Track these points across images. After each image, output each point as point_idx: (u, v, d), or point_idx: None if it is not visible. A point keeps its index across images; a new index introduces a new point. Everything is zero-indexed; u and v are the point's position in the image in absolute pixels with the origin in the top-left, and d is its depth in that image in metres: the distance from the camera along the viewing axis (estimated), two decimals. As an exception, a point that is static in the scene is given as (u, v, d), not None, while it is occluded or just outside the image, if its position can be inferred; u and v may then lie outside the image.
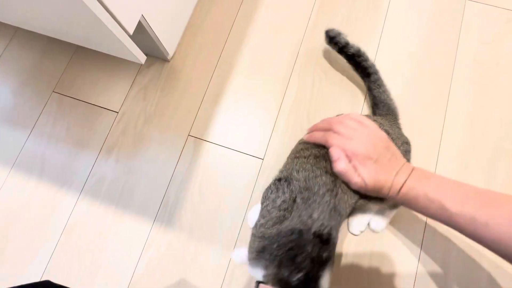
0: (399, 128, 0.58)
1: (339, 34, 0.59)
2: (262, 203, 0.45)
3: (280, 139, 0.66)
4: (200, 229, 0.61)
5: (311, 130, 0.51)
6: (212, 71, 0.71)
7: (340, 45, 0.59)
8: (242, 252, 0.46)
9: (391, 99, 0.60)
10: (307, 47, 0.72)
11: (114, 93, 0.71)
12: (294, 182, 0.42)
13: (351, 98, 0.68)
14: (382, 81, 0.61)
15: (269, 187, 0.46)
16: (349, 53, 0.59)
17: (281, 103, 0.68)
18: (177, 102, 0.70)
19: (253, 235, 0.43)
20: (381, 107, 0.60)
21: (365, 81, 0.63)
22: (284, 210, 0.39)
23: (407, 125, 0.64)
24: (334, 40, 0.60)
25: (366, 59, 0.59)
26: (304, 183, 0.41)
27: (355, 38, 0.71)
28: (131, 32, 0.52)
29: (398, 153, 0.44)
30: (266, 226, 0.40)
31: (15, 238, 0.63)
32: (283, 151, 0.65)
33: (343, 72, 0.70)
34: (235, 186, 0.63)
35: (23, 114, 0.71)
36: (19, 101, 0.72)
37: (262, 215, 0.42)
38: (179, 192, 0.64)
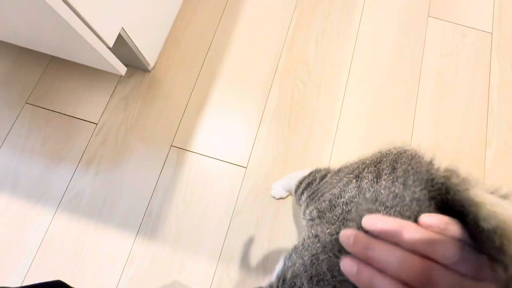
0: None
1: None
2: None
3: (263, 148, 0.68)
4: (185, 239, 0.61)
5: (362, 254, 0.20)
6: (194, 81, 0.72)
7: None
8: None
9: None
10: (286, 57, 0.75)
11: (93, 104, 0.69)
12: None
13: (329, 106, 0.72)
14: None
15: None
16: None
17: (262, 112, 0.70)
18: (159, 112, 0.69)
19: None
20: None
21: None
22: None
23: (379, 130, 0.69)
24: None
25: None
26: None
27: (330, 51, 0.76)
28: (110, 44, 0.52)
29: None
30: None
31: (-15, 259, 0.59)
32: (265, 160, 0.67)
33: (320, 81, 0.73)
34: (219, 195, 0.64)
35: (-8, 126, 0.67)
36: (-12, 113, 0.68)
37: None
38: (163, 203, 0.63)
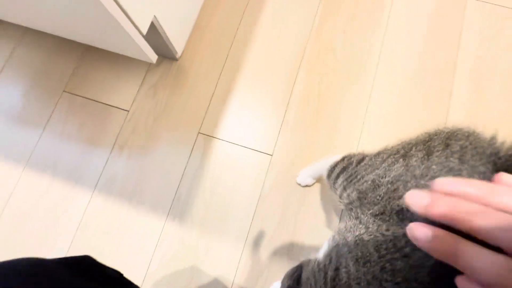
0: None
1: None
2: None
3: (289, 136, 0.68)
4: (212, 223, 0.63)
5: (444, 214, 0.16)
6: (221, 69, 0.73)
7: None
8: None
9: None
10: (314, 43, 0.73)
11: (124, 92, 0.72)
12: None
13: (357, 94, 0.70)
14: None
15: None
16: None
17: (288, 100, 0.70)
18: (186, 100, 0.71)
19: None
20: None
21: None
22: None
23: (409, 120, 0.67)
24: None
25: None
26: None
27: (359, 36, 0.73)
28: (144, 32, 0.53)
29: None
30: None
31: (30, 236, 0.64)
32: (291, 147, 0.67)
33: (348, 68, 0.71)
34: (245, 182, 0.65)
35: (34, 113, 0.72)
36: (30, 101, 0.73)
37: None
38: (191, 188, 0.65)
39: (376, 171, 0.31)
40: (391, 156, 0.31)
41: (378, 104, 0.69)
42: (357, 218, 0.29)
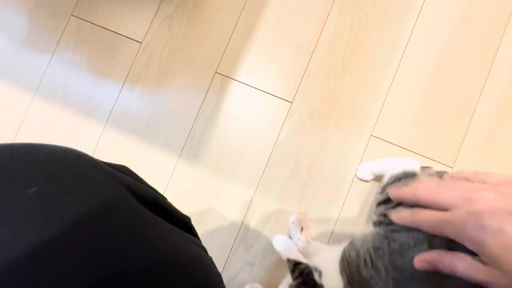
0: None
1: None
2: None
3: (311, 84, 0.63)
4: (225, 166, 0.63)
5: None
6: (243, 4, 0.66)
7: None
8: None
9: None
10: (349, -17, 0.65)
11: (137, 21, 0.66)
12: None
13: (391, 46, 0.63)
14: None
15: None
16: None
17: (315, 45, 0.64)
18: (204, 35, 0.65)
19: None
20: None
21: None
22: None
23: (442, 82, 0.61)
24: None
25: None
26: None
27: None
28: None
29: None
30: None
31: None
32: (313, 96, 0.63)
33: (385, 15, 0.64)
34: (261, 128, 0.63)
35: (41, 38, 0.67)
36: (36, 25, 0.67)
37: None
38: (205, 129, 0.63)
39: None
40: None
41: (411, 62, 0.63)
42: (385, 236, 0.34)
